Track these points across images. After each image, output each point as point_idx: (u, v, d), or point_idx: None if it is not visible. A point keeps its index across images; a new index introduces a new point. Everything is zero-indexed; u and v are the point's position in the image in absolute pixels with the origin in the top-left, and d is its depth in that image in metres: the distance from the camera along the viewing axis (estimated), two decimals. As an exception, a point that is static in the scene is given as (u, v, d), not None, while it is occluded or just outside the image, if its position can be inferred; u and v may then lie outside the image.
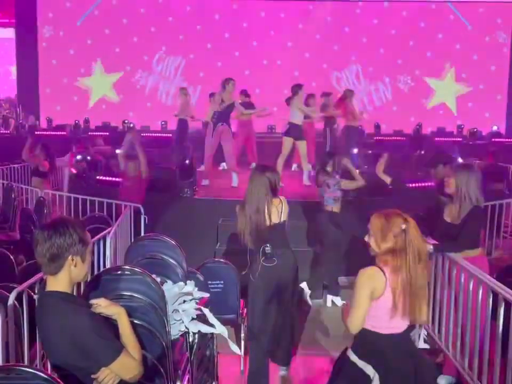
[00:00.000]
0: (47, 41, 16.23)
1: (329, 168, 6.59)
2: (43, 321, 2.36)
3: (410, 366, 2.83)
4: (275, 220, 4.34)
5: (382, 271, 2.80)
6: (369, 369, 2.82)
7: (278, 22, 15.85)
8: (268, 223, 4.31)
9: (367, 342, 2.85)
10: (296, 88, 9.06)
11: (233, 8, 16.01)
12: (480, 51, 15.86)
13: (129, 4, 16.08)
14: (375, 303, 2.80)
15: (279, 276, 4.35)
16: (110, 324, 2.44)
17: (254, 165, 10.96)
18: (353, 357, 2.88)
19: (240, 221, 4.41)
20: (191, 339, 3.49)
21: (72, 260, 2.37)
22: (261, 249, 4.35)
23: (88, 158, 10.03)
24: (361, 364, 2.84)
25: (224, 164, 10.53)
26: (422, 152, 11.49)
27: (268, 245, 4.32)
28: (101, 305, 2.45)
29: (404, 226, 2.79)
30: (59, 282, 2.37)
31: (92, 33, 16.09)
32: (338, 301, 6.42)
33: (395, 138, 13.71)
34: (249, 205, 4.35)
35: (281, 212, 4.36)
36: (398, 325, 2.85)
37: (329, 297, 6.47)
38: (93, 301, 2.47)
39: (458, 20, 15.88)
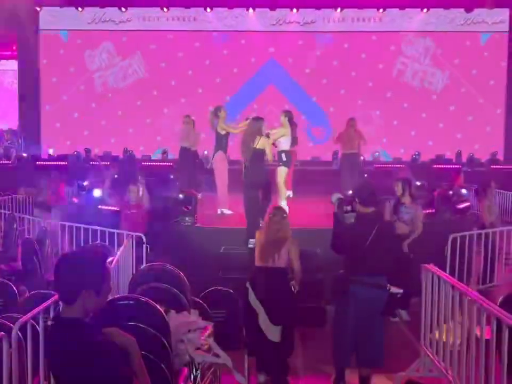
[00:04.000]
0: (49, 73, 16.44)
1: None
2: (57, 348, 2.35)
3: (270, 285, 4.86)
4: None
5: None
6: (247, 284, 4.94)
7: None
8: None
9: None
10: (283, 115, 9.17)
11: (241, 43, 16.28)
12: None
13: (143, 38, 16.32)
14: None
15: None
16: (121, 353, 2.42)
17: None
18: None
19: None
20: (195, 369, 3.47)
21: (87, 292, 2.37)
22: None
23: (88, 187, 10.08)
24: (247, 282, 4.97)
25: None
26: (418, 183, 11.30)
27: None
28: (113, 334, 2.44)
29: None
30: (74, 311, 2.37)
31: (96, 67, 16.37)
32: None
33: (393, 166, 13.75)
34: None
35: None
36: (264, 262, 4.99)
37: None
38: (106, 330, 2.46)
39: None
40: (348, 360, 4.70)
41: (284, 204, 8.92)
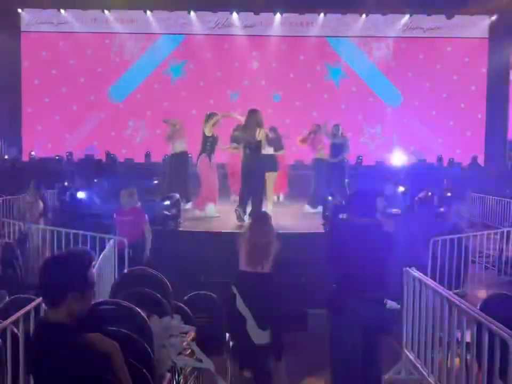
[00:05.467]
0: (31, 73, 16.28)
1: None
2: (40, 352, 2.33)
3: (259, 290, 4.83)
4: None
5: None
6: (234, 289, 4.87)
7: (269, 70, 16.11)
8: None
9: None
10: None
11: (224, 47, 16.26)
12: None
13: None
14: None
15: None
16: (104, 359, 2.40)
17: None
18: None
19: None
20: (177, 374, 3.46)
21: (72, 296, 2.35)
22: None
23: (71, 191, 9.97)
24: (232, 287, 4.90)
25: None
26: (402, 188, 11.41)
27: None
28: (97, 339, 2.42)
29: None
30: (58, 315, 2.35)
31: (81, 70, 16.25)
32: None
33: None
34: None
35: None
36: (252, 268, 4.94)
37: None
38: (89, 335, 2.43)
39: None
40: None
41: (270, 208, 9.04)
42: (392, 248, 4.43)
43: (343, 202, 8.07)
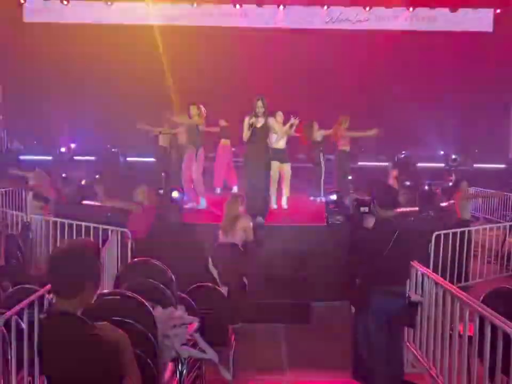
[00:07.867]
0: (33, 65, 16.22)
1: None
2: (50, 341, 2.34)
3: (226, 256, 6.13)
4: None
5: None
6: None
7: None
8: None
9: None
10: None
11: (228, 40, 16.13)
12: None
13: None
14: None
15: None
16: (112, 348, 2.40)
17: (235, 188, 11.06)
18: None
19: None
20: (181, 364, 3.48)
21: (89, 285, 2.36)
22: None
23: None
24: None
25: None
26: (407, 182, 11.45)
27: None
28: (106, 328, 2.42)
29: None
30: (70, 305, 2.35)
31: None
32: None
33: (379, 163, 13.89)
34: None
35: None
36: (224, 238, 6.32)
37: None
38: (98, 324, 2.43)
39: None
40: (374, 377, 4.34)
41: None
42: (416, 242, 4.38)
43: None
